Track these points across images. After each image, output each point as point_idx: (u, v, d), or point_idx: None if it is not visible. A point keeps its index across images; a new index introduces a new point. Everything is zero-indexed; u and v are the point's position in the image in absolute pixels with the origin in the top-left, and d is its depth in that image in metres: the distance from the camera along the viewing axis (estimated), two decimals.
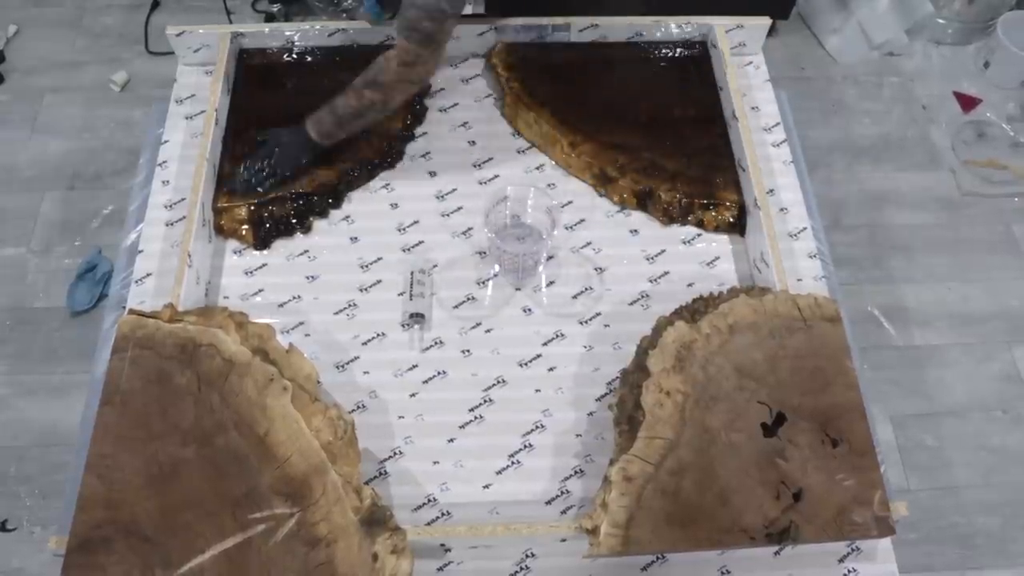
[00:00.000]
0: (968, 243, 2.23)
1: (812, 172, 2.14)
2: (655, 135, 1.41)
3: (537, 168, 1.41)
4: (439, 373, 1.21)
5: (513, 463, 1.14)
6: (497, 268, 1.29)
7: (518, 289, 1.28)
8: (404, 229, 1.34)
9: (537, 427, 1.16)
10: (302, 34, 1.48)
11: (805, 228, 1.34)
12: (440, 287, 1.28)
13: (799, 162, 1.42)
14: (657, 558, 1.07)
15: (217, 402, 0.99)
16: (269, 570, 0.90)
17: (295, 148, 1.31)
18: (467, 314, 1.26)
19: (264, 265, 1.30)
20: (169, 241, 1.30)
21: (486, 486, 1.11)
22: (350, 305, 1.26)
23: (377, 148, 1.39)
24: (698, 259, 1.32)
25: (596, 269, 1.31)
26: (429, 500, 1.11)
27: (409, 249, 1.32)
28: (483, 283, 1.29)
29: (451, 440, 1.15)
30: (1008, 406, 1.97)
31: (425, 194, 1.38)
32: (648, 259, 1.32)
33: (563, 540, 1.06)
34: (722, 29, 1.47)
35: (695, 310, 1.19)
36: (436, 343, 1.23)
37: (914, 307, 2.11)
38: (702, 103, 1.46)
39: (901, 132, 2.44)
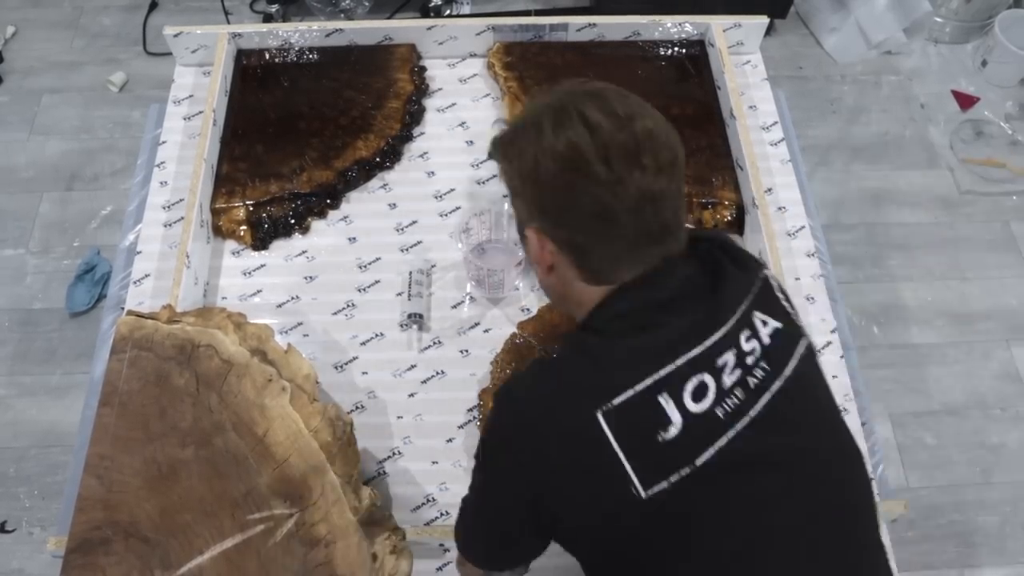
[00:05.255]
0: (966, 241, 2.23)
1: (810, 171, 2.14)
2: None
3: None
4: (438, 373, 1.21)
5: None
6: (470, 286, 1.28)
7: (494, 304, 1.27)
8: (402, 229, 1.34)
9: None
10: (300, 34, 1.48)
11: (803, 227, 1.34)
12: (438, 287, 1.28)
13: (797, 161, 1.42)
14: None
15: (216, 403, 0.99)
16: (268, 570, 0.90)
17: None
18: (465, 314, 1.26)
19: (262, 266, 1.30)
20: (167, 242, 1.30)
21: None
22: (348, 305, 1.26)
23: (375, 148, 1.39)
24: None
25: None
26: (428, 500, 1.11)
27: (407, 249, 1.32)
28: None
29: (450, 440, 1.15)
30: (1007, 404, 1.97)
31: (423, 194, 1.38)
32: None
33: None
34: (720, 28, 1.47)
35: None
36: (435, 343, 1.23)
37: (912, 305, 2.12)
38: (700, 102, 1.46)
39: (899, 131, 2.44)
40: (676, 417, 0.69)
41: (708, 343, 0.72)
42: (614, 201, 0.73)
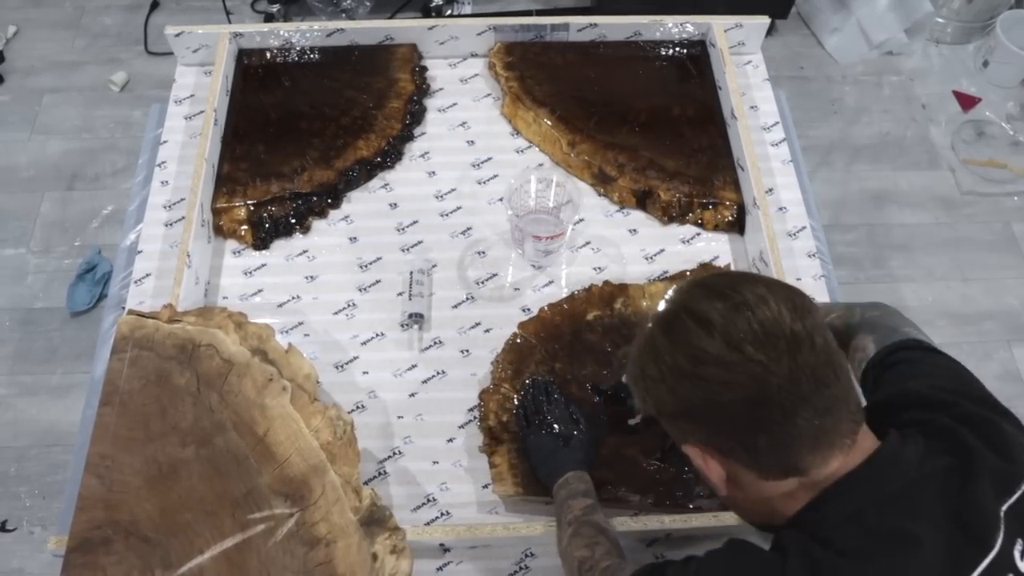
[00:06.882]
0: (967, 242, 2.22)
1: (811, 171, 2.13)
2: (654, 134, 1.41)
3: (536, 167, 1.41)
4: (438, 373, 1.21)
5: None
6: (522, 250, 1.29)
7: (537, 267, 1.30)
8: (403, 229, 1.34)
9: None
10: (301, 34, 1.48)
11: (804, 227, 1.34)
12: (439, 287, 1.28)
13: (798, 161, 1.42)
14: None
15: (216, 402, 0.99)
16: (268, 570, 0.90)
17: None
18: (466, 314, 1.26)
19: (263, 265, 1.30)
20: (168, 241, 1.30)
21: (485, 486, 1.11)
22: (349, 305, 1.26)
23: (376, 148, 1.39)
24: (697, 258, 1.32)
25: (595, 269, 1.31)
26: (428, 500, 1.11)
27: (408, 249, 1.32)
28: (482, 283, 1.29)
29: (450, 440, 1.15)
30: (1008, 404, 1.96)
31: (424, 194, 1.38)
32: (647, 258, 1.32)
33: None
34: (721, 28, 1.47)
35: None
36: (435, 343, 1.23)
37: (913, 306, 2.11)
38: (701, 102, 1.46)
39: (900, 131, 2.43)
40: None
41: (975, 574, 0.60)
42: (763, 388, 0.62)
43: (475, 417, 1.16)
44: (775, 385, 0.62)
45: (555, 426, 1.06)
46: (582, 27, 1.50)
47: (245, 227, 1.31)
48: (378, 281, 1.29)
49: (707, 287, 0.67)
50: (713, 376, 0.64)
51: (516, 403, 1.13)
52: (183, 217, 1.27)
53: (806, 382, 0.62)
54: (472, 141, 1.44)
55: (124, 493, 0.95)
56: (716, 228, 1.34)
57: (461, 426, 1.16)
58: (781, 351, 0.62)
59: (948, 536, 0.61)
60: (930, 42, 2.62)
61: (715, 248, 1.33)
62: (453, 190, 1.38)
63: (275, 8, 2.56)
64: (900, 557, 0.61)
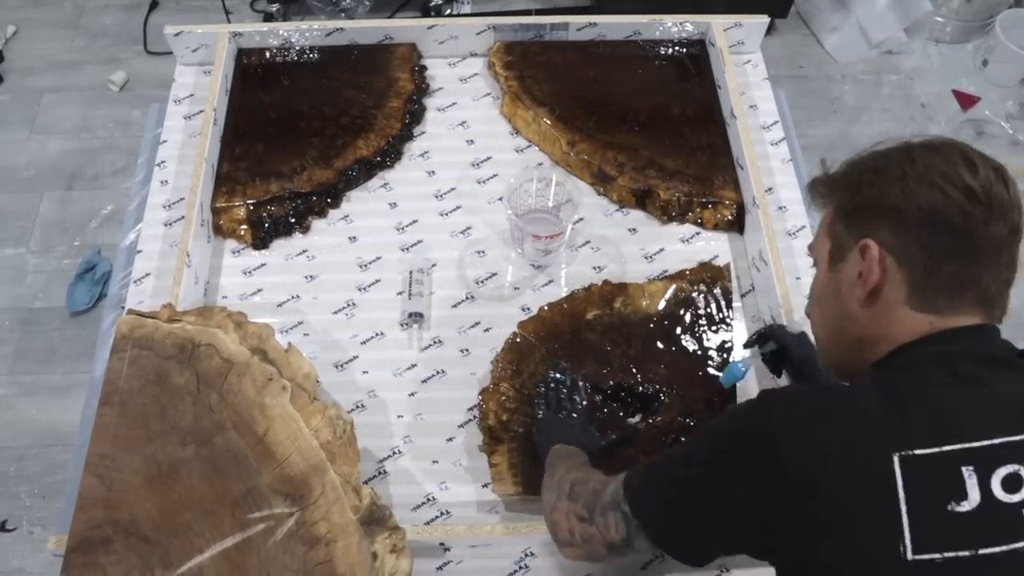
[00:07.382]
0: None
1: (811, 170, 2.13)
2: (654, 134, 1.41)
3: (536, 167, 1.41)
4: (438, 372, 1.21)
5: None
6: (522, 249, 1.29)
7: (537, 267, 1.29)
8: (403, 228, 1.34)
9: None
10: (300, 34, 1.48)
11: (804, 226, 1.34)
12: (439, 286, 1.28)
13: (797, 160, 1.42)
14: (655, 557, 1.08)
15: (216, 402, 0.99)
16: (268, 569, 0.90)
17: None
18: (466, 313, 1.26)
19: (263, 265, 1.30)
20: (168, 241, 1.30)
21: (485, 485, 1.11)
22: (349, 304, 1.26)
23: (375, 147, 1.39)
24: (697, 257, 1.32)
25: (595, 268, 1.31)
26: (428, 499, 1.11)
27: (408, 248, 1.32)
28: (482, 282, 1.29)
29: (450, 439, 1.15)
30: None
31: (424, 193, 1.38)
32: (647, 257, 1.32)
33: None
34: (720, 27, 1.47)
35: None
36: (435, 342, 1.23)
37: None
38: (700, 101, 1.46)
39: (900, 130, 2.43)
40: (975, 495, 0.63)
41: None
42: (980, 228, 0.69)
43: (475, 416, 1.16)
44: (990, 237, 0.69)
45: (563, 408, 1.09)
46: (581, 26, 1.50)
47: (245, 227, 1.31)
48: (378, 280, 1.29)
49: (979, 152, 0.73)
50: (955, 198, 0.69)
51: (546, 380, 1.14)
52: (183, 217, 1.27)
53: (1006, 255, 0.71)
54: (472, 140, 1.44)
55: (124, 493, 0.95)
56: (716, 227, 1.35)
57: (461, 425, 1.16)
58: (1009, 224, 0.70)
59: (1016, 397, 0.67)
60: (929, 41, 2.62)
61: (715, 247, 1.33)
62: (453, 189, 1.38)
63: (274, 7, 2.56)
64: (971, 397, 0.67)
